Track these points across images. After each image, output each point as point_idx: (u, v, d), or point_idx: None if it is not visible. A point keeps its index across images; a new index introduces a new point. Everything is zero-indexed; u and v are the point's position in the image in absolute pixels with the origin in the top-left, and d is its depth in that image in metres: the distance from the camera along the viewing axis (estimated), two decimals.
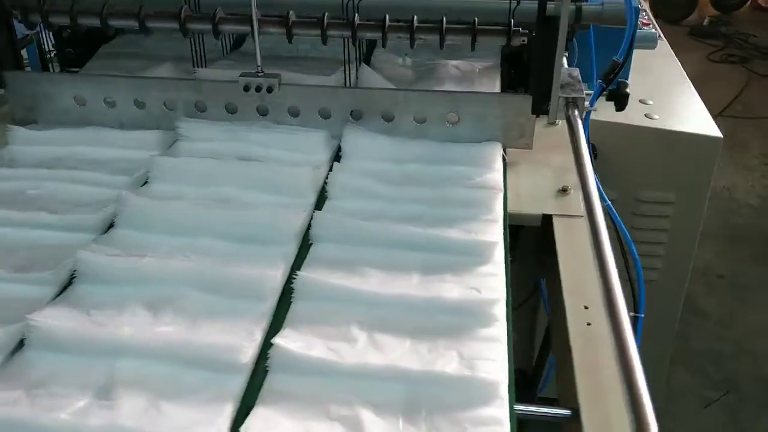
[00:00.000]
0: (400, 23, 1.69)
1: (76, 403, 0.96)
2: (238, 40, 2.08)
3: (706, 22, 6.88)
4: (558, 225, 1.49)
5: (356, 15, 1.69)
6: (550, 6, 1.56)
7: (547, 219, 1.52)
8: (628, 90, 1.69)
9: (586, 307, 1.26)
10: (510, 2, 1.70)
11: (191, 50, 1.85)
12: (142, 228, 1.34)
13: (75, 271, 1.22)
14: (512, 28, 1.67)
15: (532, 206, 1.55)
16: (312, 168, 1.52)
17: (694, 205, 2.07)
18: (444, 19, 1.67)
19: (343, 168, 1.55)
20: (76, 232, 1.35)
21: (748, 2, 7.25)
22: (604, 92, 1.69)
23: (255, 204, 1.43)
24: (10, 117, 1.84)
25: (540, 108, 1.65)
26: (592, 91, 1.69)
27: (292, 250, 1.30)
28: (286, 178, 1.49)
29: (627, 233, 1.61)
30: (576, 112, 1.59)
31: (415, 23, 1.66)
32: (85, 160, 1.65)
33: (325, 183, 1.49)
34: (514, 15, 1.69)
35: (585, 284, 1.31)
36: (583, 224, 1.45)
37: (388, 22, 1.66)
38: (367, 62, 1.93)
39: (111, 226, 1.37)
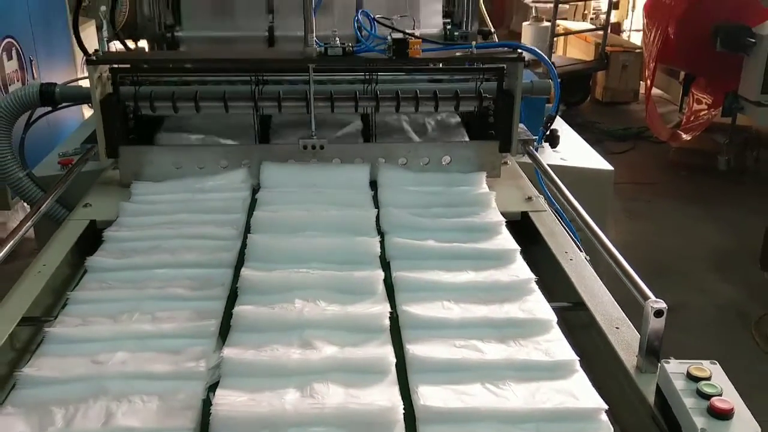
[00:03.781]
0: (404, 96, 2.52)
1: None
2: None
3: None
4: (533, 217, 2.29)
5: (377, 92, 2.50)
6: (505, 83, 2.44)
7: (524, 215, 2.32)
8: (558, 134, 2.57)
9: (566, 252, 2.06)
10: (476, 83, 2.56)
11: (254, 125, 2.57)
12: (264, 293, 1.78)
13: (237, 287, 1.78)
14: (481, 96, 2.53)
15: (512, 208, 2.35)
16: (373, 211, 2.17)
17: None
18: (437, 92, 2.51)
19: (388, 204, 2.19)
20: (218, 267, 1.91)
21: (589, 98, 8.75)
22: (546, 135, 2.56)
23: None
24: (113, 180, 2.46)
25: (505, 148, 2.48)
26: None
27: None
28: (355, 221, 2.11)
29: (567, 220, 2.43)
30: (531, 148, 2.44)
31: (419, 95, 2.50)
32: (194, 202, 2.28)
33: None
34: (481, 90, 2.55)
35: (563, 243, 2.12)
36: (547, 217, 2.29)
37: (401, 95, 2.48)
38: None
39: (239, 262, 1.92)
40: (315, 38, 2.36)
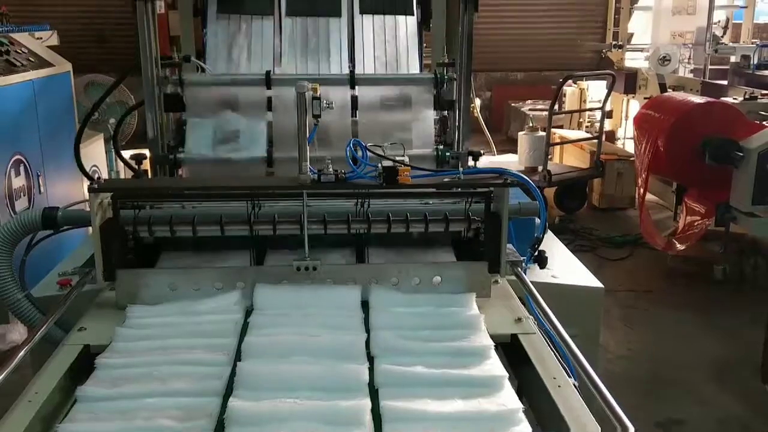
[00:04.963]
0: (395, 219, 2.60)
1: None
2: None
3: (556, 221, 8.36)
4: (522, 340, 2.32)
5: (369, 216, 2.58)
6: (492, 206, 2.53)
7: (513, 337, 2.35)
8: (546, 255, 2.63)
9: (554, 378, 2.07)
10: (465, 206, 2.64)
11: (250, 255, 2.66)
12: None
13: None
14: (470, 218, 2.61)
15: (501, 330, 2.37)
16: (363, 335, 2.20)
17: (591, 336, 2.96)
18: (426, 214, 2.59)
19: (378, 327, 2.24)
20: (207, 396, 1.91)
21: (586, 204, 8.89)
22: (533, 256, 2.62)
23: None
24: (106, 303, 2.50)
25: (494, 269, 2.54)
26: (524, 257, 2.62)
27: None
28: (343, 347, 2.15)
29: (559, 342, 2.44)
30: (519, 269, 2.50)
31: (409, 217, 2.58)
32: (187, 324, 2.32)
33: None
34: (469, 212, 2.63)
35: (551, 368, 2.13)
36: (537, 339, 2.31)
37: (391, 218, 2.56)
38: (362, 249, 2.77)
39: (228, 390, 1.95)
40: (309, 165, 2.47)
